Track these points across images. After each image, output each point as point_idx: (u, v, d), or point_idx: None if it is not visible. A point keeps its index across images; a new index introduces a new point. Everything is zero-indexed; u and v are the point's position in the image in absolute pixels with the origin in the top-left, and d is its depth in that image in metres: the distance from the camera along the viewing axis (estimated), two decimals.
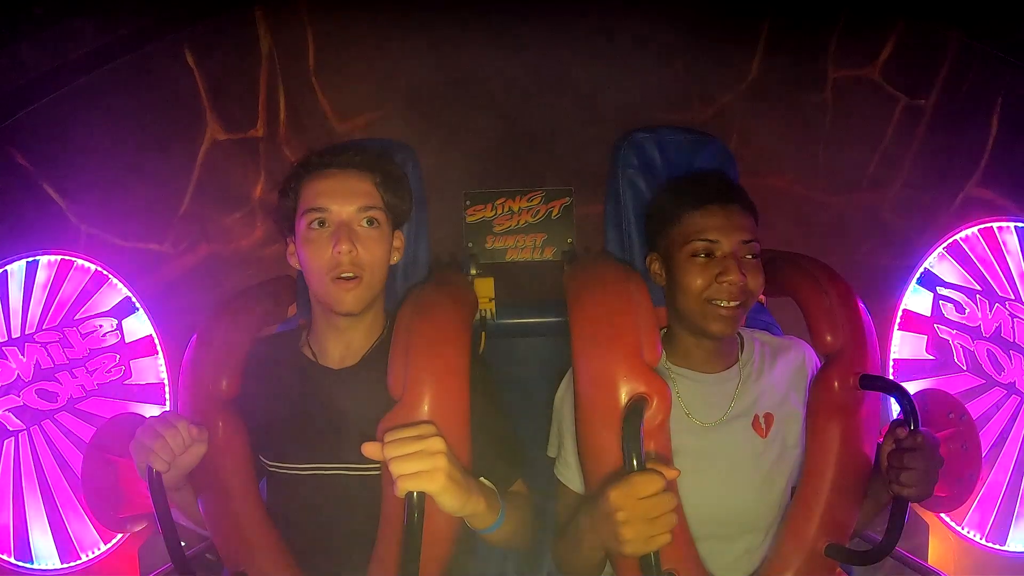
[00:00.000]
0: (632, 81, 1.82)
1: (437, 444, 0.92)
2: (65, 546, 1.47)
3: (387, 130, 1.86)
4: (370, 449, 0.93)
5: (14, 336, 1.44)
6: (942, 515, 1.58)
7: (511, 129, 1.90)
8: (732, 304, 1.10)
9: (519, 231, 1.96)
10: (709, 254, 1.12)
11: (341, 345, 1.21)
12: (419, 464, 0.90)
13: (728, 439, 1.16)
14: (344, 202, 1.13)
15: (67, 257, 1.51)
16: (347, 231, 1.11)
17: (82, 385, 1.52)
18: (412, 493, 0.89)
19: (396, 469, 0.90)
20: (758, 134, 1.87)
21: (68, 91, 1.50)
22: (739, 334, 1.27)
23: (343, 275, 1.11)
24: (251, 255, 1.90)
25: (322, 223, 1.13)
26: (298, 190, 1.17)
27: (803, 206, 1.93)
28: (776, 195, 1.92)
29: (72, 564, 1.48)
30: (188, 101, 1.73)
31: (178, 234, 1.78)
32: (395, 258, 1.23)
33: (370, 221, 1.14)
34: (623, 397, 1.03)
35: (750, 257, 1.12)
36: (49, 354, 1.47)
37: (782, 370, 1.22)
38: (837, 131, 1.88)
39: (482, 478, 1.04)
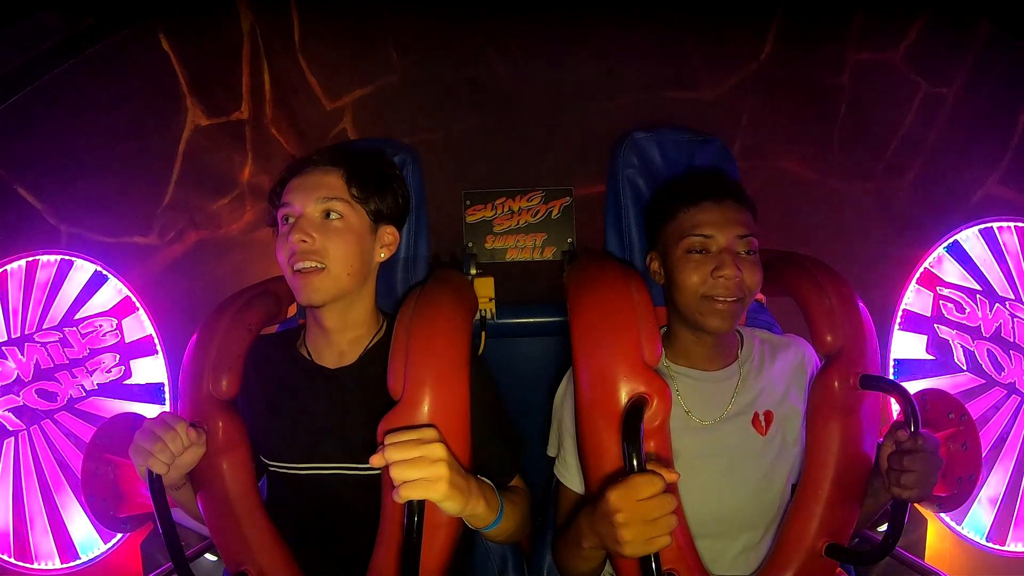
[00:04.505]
0: (638, 59, 1.73)
1: (439, 451, 0.92)
2: (65, 546, 1.47)
3: (379, 110, 1.77)
4: (377, 460, 0.93)
5: (14, 336, 1.43)
6: (942, 515, 1.58)
7: (511, 127, 1.87)
8: (729, 299, 1.10)
9: (519, 231, 1.96)
10: (705, 249, 1.12)
11: (330, 344, 1.21)
12: (420, 471, 0.90)
13: (728, 437, 1.16)
14: (305, 196, 1.14)
15: (67, 257, 1.51)
16: (303, 222, 1.12)
17: (82, 385, 1.52)
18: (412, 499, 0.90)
19: (397, 476, 0.90)
20: (769, 115, 1.78)
21: (35, 88, 1.40)
22: (738, 331, 1.27)
23: (301, 266, 1.11)
24: (242, 239, 1.83)
25: (286, 219, 1.15)
26: (280, 193, 1.19)
27: (811, 192, 1.85)
28: (784, 179, 1.84)
29: (72, 564, 1.47)
30: (166, 87, 1.64)
31: (164, 225, 1.71)
32: (384, 255, 1.22)
33: (328, 213, 1.14)
34: (623, 397, 1.03)
35: (747, 252, 1.12)
36: (49, 354, 1.47)
37: (782, 367, 1.22)
38: (853, 116, 1.77)
39: (480, 476, 1.04)
